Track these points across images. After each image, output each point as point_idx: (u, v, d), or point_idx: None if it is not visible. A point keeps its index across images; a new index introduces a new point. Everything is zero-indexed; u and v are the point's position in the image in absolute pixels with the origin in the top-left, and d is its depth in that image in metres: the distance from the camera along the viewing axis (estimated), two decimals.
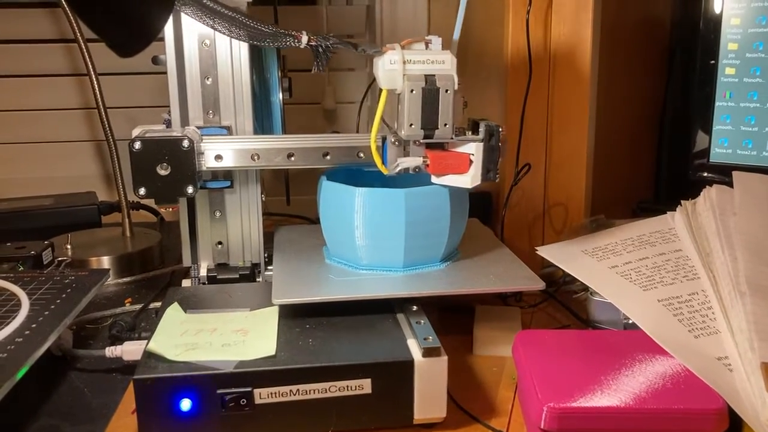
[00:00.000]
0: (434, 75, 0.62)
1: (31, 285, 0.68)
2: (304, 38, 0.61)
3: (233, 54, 0.71)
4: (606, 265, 0.73)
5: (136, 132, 0.66)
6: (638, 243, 0.76)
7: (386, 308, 0.64)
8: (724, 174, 0.84)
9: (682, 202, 0.79)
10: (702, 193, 0.77)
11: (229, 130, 0.72)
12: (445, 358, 0.56)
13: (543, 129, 0.87)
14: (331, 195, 0.69)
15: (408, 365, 0.55)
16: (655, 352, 0.59)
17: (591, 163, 0.89)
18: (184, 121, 0.71)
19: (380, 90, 0.62)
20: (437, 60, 0.62)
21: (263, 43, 0.61)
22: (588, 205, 0.90)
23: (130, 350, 0.65)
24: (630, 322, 0.65)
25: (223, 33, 0.60)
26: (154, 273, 0.92)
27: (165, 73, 0.71)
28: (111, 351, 0.66)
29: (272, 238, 0.99)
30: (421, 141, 0.65)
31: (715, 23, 0.90)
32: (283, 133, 0.83)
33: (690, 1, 0.95)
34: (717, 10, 0.90)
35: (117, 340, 0.70)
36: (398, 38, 1.22)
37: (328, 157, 0.69)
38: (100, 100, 0.96)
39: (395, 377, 0.55)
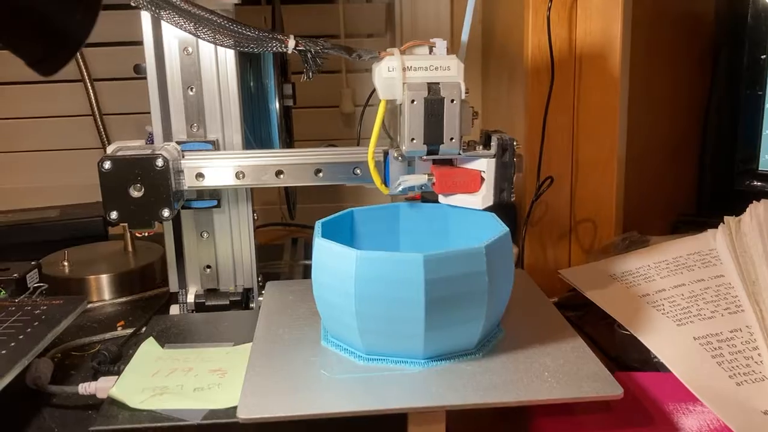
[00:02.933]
0: (438, 83, 0.55)
1: None
2: (291, 42, 0.55)
3: (219, 62, 0.65)
4: (636, 293, 0.65)
5: (110, 149, 0.61)
6: (674, 267, 0.67)
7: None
8: None
9: (725, 218, 0.70)
10: (748, 209, 0.69)
11: (214, 145, 0.66)
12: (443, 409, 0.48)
13: (568, 137, 0.79)
14: (323, 257, 0.53)
15: (400, 418, 0.48)
16: (689, 400, 0.51)
17: (622, 174, 0.80)
18: (167, 135, 0.65)
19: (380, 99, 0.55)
20: (442, 66, 0.55)
21: (248, 49, 0.55)
22: (619, 220, 0.81)
23: (104, 387, 0.60)
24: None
25: (207, 40, 0.54)
26: (149, 293, 0.87)
27: None
28: (84, 388, 0.60)
29: (271, 253, 0.94)
30: (425, 158, 0.58)
31: (766, 15, 0.81)
32: (283, 143, 0.77)
33: None
34: None
35: (98, 373, 0.65)
36: (420, 38, 1.14)
37: (321, 175, 0.63)
38: (95, 106, 0.92)
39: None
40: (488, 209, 0.60)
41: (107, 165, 0.58)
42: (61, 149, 1.20)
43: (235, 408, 0.49)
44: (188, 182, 0.62)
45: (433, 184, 0.59)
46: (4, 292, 0.74)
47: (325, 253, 0.52)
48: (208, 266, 0.70)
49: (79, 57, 0.91)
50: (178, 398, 0.51)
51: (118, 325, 0.79)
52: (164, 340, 0.61)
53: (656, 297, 0.63)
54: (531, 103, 0.78)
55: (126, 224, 0.59)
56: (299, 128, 0.95)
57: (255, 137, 0.75)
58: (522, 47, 0.79)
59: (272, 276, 0.82)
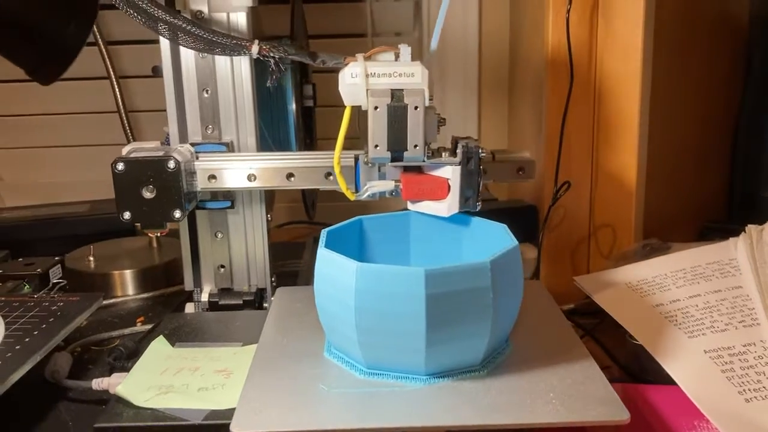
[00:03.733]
0: (402, 89, 0.55)
1: (18, 311, 0.64)
2: (255, 48, 0.55)
3: (233, 64, 0.65)
4: (649, 303, 0.63)
5: (125, 150, 0.62)
6: (691, 276, 0.66)
7: None
8: None
9: (748, 227, 0.68)
10: None
11: (229, 147, 0.66)
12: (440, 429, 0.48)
13: (588, 141, 0.78)
14: (325, 267, 0.52)
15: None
16: (697, 417, 0.50)
17: (643, 179, 0.78)
18: (183, 137, 0.66)
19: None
20: (405, 72, 0.55)
21: (214, 53, 0.56)
22: (639, 226, 0.79)
23: (116, 383, 0.61)
24: None
25: (172, 41, 0.55)
26: (172, 290, 0.88)
27: None
28: (97, 383, 0.62)
29: (292, 251, 0.94)
30: (389, 165, 0.58)
31: None
32: (301, 144, 0.78)
33: None
34: None
35: (114, 368, 0.67)
36: (446, 37, 1.14)
37: (331, 178, 0.63)
38: (120, 103, 0.93)
39: None
40: (502, 218, 0.59)
41: (120, 166, 0.59)
42: (92, 145, 1.22)
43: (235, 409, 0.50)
44: (201, 184, 0.63)
45: (401, 190, 0.59)
46: (28, 286, 0.76)
47: (327, 263, 0.51)
48: (222, 266, 0.71)
49: (105, 55, 0.93)
50: (182, 397, 0.52)
51: (137, 321, 0.80)
52: (176, 338, 0.62)
53: (670, 307, 0.62)
54: (550, 106, 0.77)
55: (139, 224, 0.60)
56: (322, 128, 0.96)
57: (273, 138, 0.76)
58: (542, 49, 0.78)
59: (290, 275, 0.83)
